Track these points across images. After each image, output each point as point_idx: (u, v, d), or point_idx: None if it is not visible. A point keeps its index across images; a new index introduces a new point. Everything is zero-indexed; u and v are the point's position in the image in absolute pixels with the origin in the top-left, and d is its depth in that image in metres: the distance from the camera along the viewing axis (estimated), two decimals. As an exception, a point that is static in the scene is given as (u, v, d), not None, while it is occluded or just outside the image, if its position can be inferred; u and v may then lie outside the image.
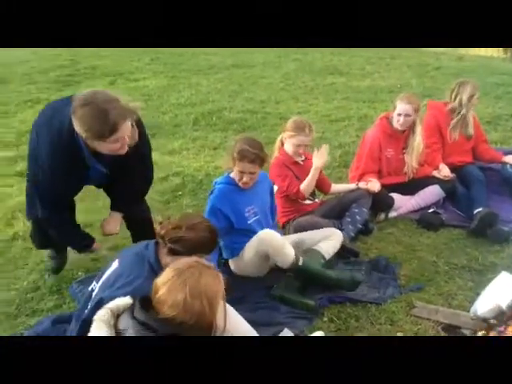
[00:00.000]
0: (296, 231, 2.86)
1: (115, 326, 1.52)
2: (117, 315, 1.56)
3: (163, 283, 1.50)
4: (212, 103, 5.93)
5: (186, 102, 5.94)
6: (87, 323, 1.92)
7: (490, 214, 3.05)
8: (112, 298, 1.66)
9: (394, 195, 3.38)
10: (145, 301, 1.54)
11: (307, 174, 3.01)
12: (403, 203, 3.41)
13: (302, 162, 3.07)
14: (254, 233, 2.53)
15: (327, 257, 2.62)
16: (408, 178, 3.42)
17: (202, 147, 4.60)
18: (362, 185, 3.19)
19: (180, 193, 3.72)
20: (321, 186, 3.22)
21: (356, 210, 3.05)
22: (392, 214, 3.37)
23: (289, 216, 3.04)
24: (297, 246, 2.64)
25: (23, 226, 3.11)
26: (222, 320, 1.60)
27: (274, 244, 2.44)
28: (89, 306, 1.90)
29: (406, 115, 3.26)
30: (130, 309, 1.55)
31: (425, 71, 7.58)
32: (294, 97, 6.31)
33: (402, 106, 3.27)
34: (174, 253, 1.89)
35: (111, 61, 8.05)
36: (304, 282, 2.52)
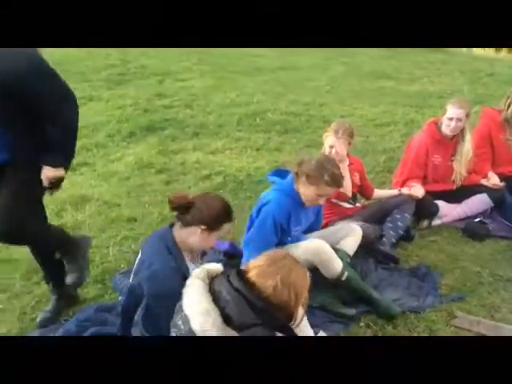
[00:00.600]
0: None
1: (210, 285, 1.52)
2: (211, 277, 1.55)
3: (254, 266, 1.50)
4: (256, 104, 5.98)
5: (230, 103, 6.02)
6: (125, 311, 2.01)
7: (540, 227, 2.92)
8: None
9: (440, 203, 3.29)
10: (240, 272, 1.55)
11: (351, 180, 3.00)
12: (449, 211, 3.31)
13: (347, 167, 2.99)
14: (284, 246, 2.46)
15: (351, 254, 2.60)
16: (456, 186, 3.32)
17: (244, 148, 4.65)
18: (404, 190, 3.12)
19: (221, 191, 3.78)
20: (363, 190, 3.18)
21: (398, 216, 2.99)
22: (436, 222, 3.28)
23: (328, 219, 3.00)
24: None
25: (71, 217, 3.26)
26: (300, 315, 1.59)
27: (324, 257, 2.40)
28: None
29: (458, 120, 3.17)
30: (226, 274, 1.53)
31: (477, 77, 7.34)
32: (339, 100, 6.27)
33: (453, 110, 3.17)
34: (186, 224, 1.92)
35: (159, 60, 8.27)
36: (344, 293, 2.50)
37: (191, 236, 1.92)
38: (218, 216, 1.94)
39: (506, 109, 3.43)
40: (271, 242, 2.38)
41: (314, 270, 2.40)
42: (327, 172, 2.32)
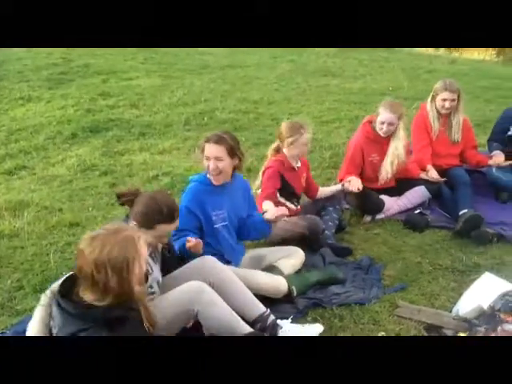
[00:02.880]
0: (277, 236, 2.86)
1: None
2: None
3: (76, 257, 1.52)
4: (204, 103, 5.94)
5: (178, 102, 5.95)
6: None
7: (474, 216, 3.08)
8: None
9: (382, 197, 3.40)
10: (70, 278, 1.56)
11: (299, 181, 3.06)
12: (390, 205, 3.42)
13: (297, 169, 3.06)
14: (220, 238, 2.50)
15: (285, 274, 2.57)
16: (381, 183, 3.41)
17: (192, 147, 4.59)
18: (346, 185, 3.18)
19: (169, 192, 3.72)
20: (309, 190, 3.23)
21: (331, 208, 3.10)
22: (379, 216, 3.39)
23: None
24: (257, 261, 2.63)
25: (8, 224, 3.10)
26: (139, 292, 1.54)
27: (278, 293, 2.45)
28: None
29: (389, 124, 3.26)
30: (57, 290, 1.55)
31: (417, 74, 7.64)
32: (287, 98, 6.34)
33: (386, 115, 3.24)
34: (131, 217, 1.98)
35: (104, 59, 8.04)
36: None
37: None
38: (148, 215, 1.93)
39: (430, 100, 3.58)
40: (189, 228, 2.40)
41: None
42: (204, 137, 2.45)
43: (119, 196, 2.04)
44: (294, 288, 2.46)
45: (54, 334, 1.54)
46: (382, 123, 3.28)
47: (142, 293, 1.58)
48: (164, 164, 4.22)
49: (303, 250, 2.80)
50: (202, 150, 2.46)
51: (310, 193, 3.25)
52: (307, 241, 2.88)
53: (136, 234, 1.55)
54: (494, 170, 3.58)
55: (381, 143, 3.38)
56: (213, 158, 2.42)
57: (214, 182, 2.50)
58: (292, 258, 2.68)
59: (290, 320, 2.28)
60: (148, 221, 1.93)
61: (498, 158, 3.56)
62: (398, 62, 8.56)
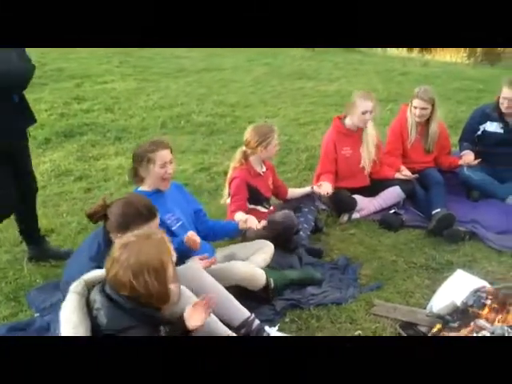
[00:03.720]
0: (249, 238, 2.86)
1: (88, 296, 1.56)
2: (92, 286, 1.58)
3: (110, 264, 1.52)
4: (181, 106, 5.92)
5: (154, 106, 5.91)
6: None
7: (447, 215, 3.15)
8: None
9: (357, 197, 3.45)
10: None
11: (266, 185, 3.07)
12: (366, 205, 3.48)
13: (263, 173, 3.08)
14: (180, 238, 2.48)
15: None
16: (367, 172, 3.50)
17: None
18: (316, 188, 3.21)
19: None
20: (278, 192, 3.25)
21: (306, 210, 3.13)
22: (355, 216, 3.44)
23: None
24: (229, 258, 2.64)
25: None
26: (175, 293, 1.62)
27: (256, 283, 2.44)
28: None
29: (371, 112, 3.34)
30: (102, 282, 1.56)
31: (391, 76, 7.76)
32: (263, 101, 6.37)
33: (366, 104, 3.31)
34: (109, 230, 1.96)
35: (78, 63, 7.93)
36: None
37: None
38: (129, 221, 1.92)
39: (410, 107, 3.66)
40: None
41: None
42: (143, 148, 2.44)
43: (90, 216, 1.99)
44: (271, 280, 2.47)
45: (101, 325, 1.51)
46: (365, 113, 3.33)
47: (176, 291, 1.64)
48: (140, 168, 4.19)
49: (279, 250, 2.82)
50: (150, 160, 2.41)
51: (279, 195, 3.27)
52: (282, 239, 2.86)
53: (165, 237, 1.63)
54: (465, 169, 3.67)
55: (352, 137, 3.45)
56: (169, 163, 2.46)
57: (164, 188, 2.51)
58: (263, 253, 2.67)
59: (276, 328, 2.30)
60: (130, 227, 1.90)
61: (468, 157, 3.65)
62: (372, 65, 8.70)
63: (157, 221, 2.05)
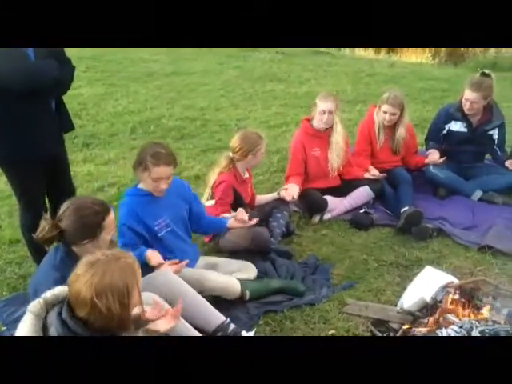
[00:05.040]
0: (223, 247, 2.88)
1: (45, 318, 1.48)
2: (52, 305, 1.51)
3: (74, 280, 1.46)
4: (150, 111, 5.86)
5: (123, 111, 5.83)
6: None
7: (415, 213, 3.22)
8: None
9: (328, 197, 3.49)
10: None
11: (247, 192, 3.10)
12: (336, 205, 3.53)
13: (246, 179, 3.12)
14: (168, 244, 2.47)
15: None
16: (333, 175, 3.55)
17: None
18: (282, 193, 3.22)
19: (115, 204, 3.64)
20: (250, 200, 3.22)
21: (278, 215, 3.13)
22: (327, 216, 3.48)
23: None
24: (211, 267, 2.65)
25: None
26: (135, 316, 1.58)
27: (232, 295, 2.48)
28: None
29: (329, 112, 3.38)
30: (59, 305, 1.49)
31: (359, 78, 7.89)
32: (234, 104, 6.37)
33: (325, 104, 3.38)
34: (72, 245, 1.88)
35: (44, 69, 7.75)
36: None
37: (85, 251, 1.80)
38: (87, 224, 1.85)
39: (377, 110, 3.73)
40: (133, 244, 2.37)
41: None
42: (147, 153, 2.36)
43: (45, 241, 1.86)
44: (247, 292, 2.47)
45: None
46: (323, 113, 3.37)
47: (138, 316, 1.61)
48: (110, 175, 4.13)
49: (253, 257, 2.84)
50: (146, 169, 2.37)
51: (250, 202, 3.25)
52: (256, 250, 2.89)
53: (135, 261, 1.57)
54: (431, 167, 3.76)
55: (320, 137, 3.50)
56: (165, 179, 2.40)
57: (157, 195, 2.47)
58: (245, 273, 2.69)
59: (253, 332, 2.30)
60: (91, 229, 1.85)
61: (434, 156, 3.75)
62: (341, 67, 8.81)
63: (112, 215, 1.95)
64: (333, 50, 11.52)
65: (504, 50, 9.03)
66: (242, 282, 2.52)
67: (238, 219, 2.71)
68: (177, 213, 2.60)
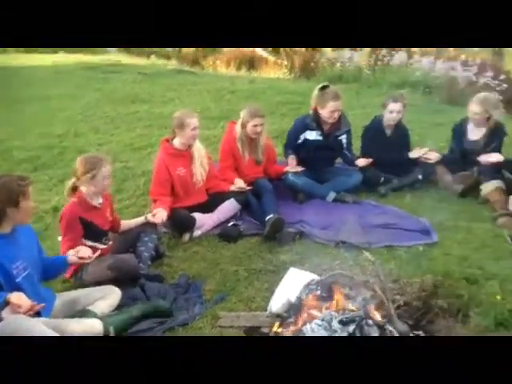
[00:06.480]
0: (87, 281, 2.74)
1: None
2: None
3: None
4: (-1, 143, 5.36)
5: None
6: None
7: (277, 220, 3.40)
8: None
9: (196, 214, 3.52)
10: None
11: (104, 218, 2.94)
12: (205, 221, 3.57)
13: (99, 205, 2.91)
14: (24, 290, 2.26)
15: (100, 315, 2.49)
16: (202, 187, 3.60)
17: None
18: (149, 217, 3.15)
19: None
20: (112, 226, 3.08)
21: (146, 239, 3.07)
22: (196, 233, 3.50)
23: (78, 265, 2.76)
24: (71, 304, 2.52)
25: None
26: None
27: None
28: None
29: (195, 128, 3.48)
30: None
31: (221, 95, 8.12)
32: (95, 128, 6.12)
33: (194, 120, 3.47)
34: None
35: None
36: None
37: None
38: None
39: (240, 127, 3.89)
40: None
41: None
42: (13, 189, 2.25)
43: None
44: (111, 328, 2.36)
45: None
46: (194, 129, 3.47)
47: None
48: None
49: (122, 284, 2.73)
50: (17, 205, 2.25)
51: (113, 227, 3.09)
52: (123, 279, 2.78)
53: None
54: (289, 175, 4.02)
55: (183, 156, 3.54)
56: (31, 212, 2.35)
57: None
58: (108, 299, 2.58)
59: None
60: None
61: (292, 164, 4.03)
62: (203, 85, 8.99)
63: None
64: (196, 69, 11.75)
65: (348, 63, 10.01)
66: (104, 318, 2.41)
67: (79, 256, 2.54)
68: (32, 256, 2.42)
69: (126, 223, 3.18)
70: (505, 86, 7.65)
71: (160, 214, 3.17)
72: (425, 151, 4.25)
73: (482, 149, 4.06)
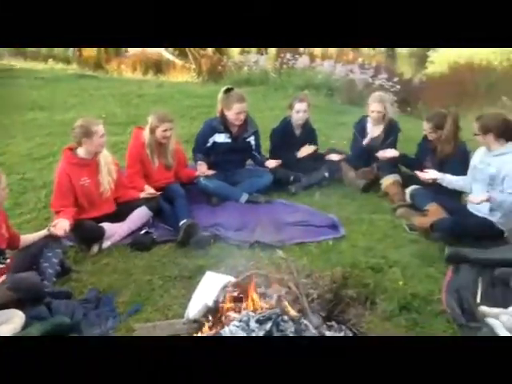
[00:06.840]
0: None
1: None
2: None
3: None
4: None
5: None
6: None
7: (190, 224, 3.36)
8: None
9: (105, 224, 3.36)
10: None
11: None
12: (115, 230, 3.42)
13: None
14: None
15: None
16: (104, 196, 3.44)
17: None
18: (52, 229, 2.96)
19: None
20: (11, 241, 2.85)
21: (50, 254, 2.88)
22: (106, 244, 3.34)
23: None
24: None
25: None
26: None
27: None
28: None
29: (103, 135, 3.34)
30: None
31: (128, 99, 7.86)
32: (-15, 138, 5.61)
33: (99, 127, 3.33)
34: None
35: None
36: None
37: None
38: None
39: (149, 132, 3.78)
40: None
41: None
42: None
43: None
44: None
45: None
46: (102, 136, 3.33)
47: None
48: None
49: (26, 305, 2.53)
50: None
51: (13, 243, 2.88)
52: (26, 299, 2.57)
53: None
54: (201, 179, 4.00)
55: (88, 165, 3.37)
56: None
57: None
58: (11, 323, 2.38)
59: None
60: None
61: (202, 168, 4.01)
62: (108, 89, 8.64)
63: None
64: (99, 73, 11.27)
65: (255, 66, 10.20)
66: None
67: None
68: None
69: (27, 238, 2.95)
70: (398, 87, 8.32)
71: (61, 224, 2.98)
72: (312, 149, 4.45)
73: (380, 145, 4.36)
